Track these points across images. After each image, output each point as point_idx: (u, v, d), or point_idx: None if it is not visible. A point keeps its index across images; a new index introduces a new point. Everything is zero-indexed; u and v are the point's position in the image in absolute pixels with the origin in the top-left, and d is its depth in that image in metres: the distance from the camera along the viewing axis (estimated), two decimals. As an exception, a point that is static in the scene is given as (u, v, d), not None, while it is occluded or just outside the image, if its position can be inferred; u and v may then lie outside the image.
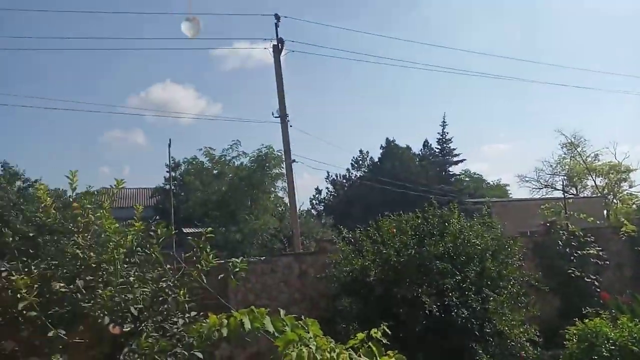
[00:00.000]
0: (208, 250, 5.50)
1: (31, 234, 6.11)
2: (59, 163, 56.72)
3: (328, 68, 66.59)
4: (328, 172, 47.61)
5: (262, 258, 11.49)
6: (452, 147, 45.91)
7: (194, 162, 29.21)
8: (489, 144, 75.92)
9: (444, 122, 45.70)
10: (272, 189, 29.96)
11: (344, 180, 48.13)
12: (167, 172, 36.64)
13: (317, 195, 48.77)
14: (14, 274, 4.79)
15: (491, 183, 51.34)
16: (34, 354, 5.61)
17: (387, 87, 68.92)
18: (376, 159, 45.03)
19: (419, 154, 46.09)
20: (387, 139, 44.80)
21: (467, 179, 48.18)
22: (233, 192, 27.99)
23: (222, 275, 5.90)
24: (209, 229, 5.69)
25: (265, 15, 17.94)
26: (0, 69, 53.17)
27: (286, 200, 30.36)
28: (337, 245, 9.81)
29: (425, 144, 46.57)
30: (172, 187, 29.89)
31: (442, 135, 45.96)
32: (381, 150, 44.69)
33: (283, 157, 27.25)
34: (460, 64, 72.08)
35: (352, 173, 47.73)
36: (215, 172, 29.41)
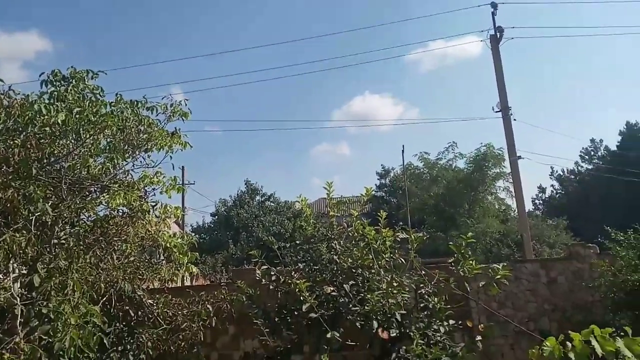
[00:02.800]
0: (469, 255, 5.20)
1: (277, 242, 6.61)
2: (278, 178, 63.41)
3: (541, 50, 60.42)
4: (552, 168, 42.86)
5: (504, 264, 10.69)
6: None
7: (409, 168, 29.37)
8: None
9: None
10: (493, 189, 28.18)
11: (572, 176, 42.69)
12: (378, 179, 38.10)
13: (540, 195, 44.36)
14: (293, 277, 5.27)
15: None
16: (301, 352, 6.11)
17: (619, 63, 59.33)
18: (613, 147, 38.72)
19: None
20: (627, 122, 38.25)
21: None
22: (450, 195, 27.20)
23: (483, 283, 5.54)
24: (469, 234, 5.34)
25: (482, 5, 17.02)
26: (232, 101, 62.33)
27: (508, 201, 28.30)
28: (613, 250, 8.43)
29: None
30: (399, 191, 30.32)
31: None
32: (620, 137, 38.27)
33: (503, 154, 25.62)
34: None
35: (581, 166, 42.07)
36: (429, 176, 29.07)
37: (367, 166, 67.92)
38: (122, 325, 6.88)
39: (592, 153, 41.66)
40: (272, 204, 33.92)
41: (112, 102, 5.51)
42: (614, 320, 7.63)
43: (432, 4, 63.06)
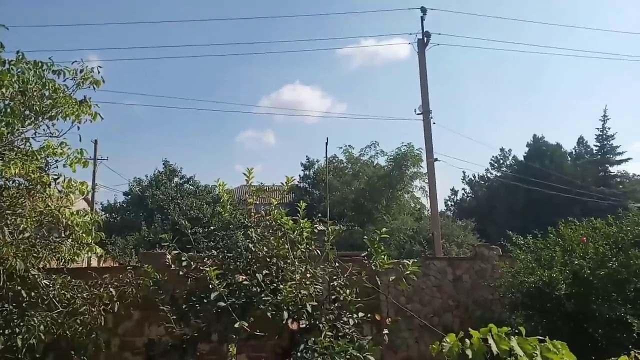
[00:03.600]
0: (382, 250, 5.27)
1: (192, 227, 6.38)
2: (199, 161, 61.93)
3: (465, 60, 63.62)
4: (464, 172, 45.41)
5: (414, 260, 11.11)
6: (614, 145, 40.57)
7: (333, 162, 29.74)
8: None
9: (604, 115, 40.28)
10: (410, 188, 29.34)
11: (482, 181, 45.50)
12: (302, 170, 38.22)
13: (452, 196, 46.85)
14: (206, 264, 5.06)
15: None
16: (209, 341, 5.93)
17: (532, 79, 63.98)
18: (521, 158, 41.73)
19: (572, 152, 41.64)
20: (534, 135, 41.33)
21: (626, 180, 42.28)
22: (370, 191, 27.96)
23: (393, 277, 5.67)
24: (383, 229, 5.42)
25: (412, 9, 17.47)
26: (156, 75, 59.65)
27: (423, 200, 29.60)
28: (513, 253, 8.97)
29: (580, 141, 41.93)
30: (322, 184, 30.39)
31: (602, 131, 40.76)
32: (527, 148, 41.31)
33: (421, 155, 26.72)
34: (611, 48, 63.66)
35: (491, 173, 44.95)
36: (352, 171, 29.63)
37: (293, 157, 68.14)
38: (11, 307, 6.30)
39: (501, 161, 44.63)
40: (191, 187, 32.84)
41: (11, 60, 4.93)
42: (510, 318, 8.16)
43: (368, 2, 64.21)
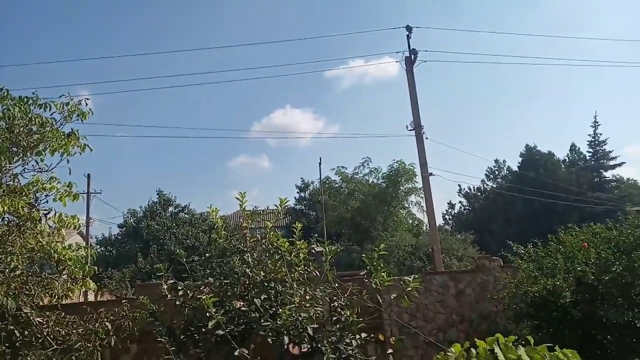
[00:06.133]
0: (382, 267, 5.18)
1: (188, 255, 6.30)
2: (193, 188, 61.71)
3: (453, 75, 64.31)
4: (460, 186, 45.43)
5: (415, 276, 10.99)
6: (607, 150, 40.84)
7: (327, 182, 29.68)
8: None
9: (595, 122, 40.60)
10: (405, 204, 29.25)
11: (478, 193, 45.51)
12: (298, 192, 38.14)
13: (450, 210, 46.78)
14: (203, 292, 4.95)
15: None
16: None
17: (520, 90, 64.69)
18: (515, 168, 41.86)
19: (565, 159, 41.82)
20: (526, 145, 41.49)
21: (621, 185, 42.42)
22: (366, 209, 27.85)
23: (395, 295, 5.56)
24: (382, 246, 5.35)
25: (397, 28, 17.70)
26: (145, 106, 59.86)
27: (419, 215, 29.49)
28: (515, 262, 8.87)
29: (573, 148, 42.16)
30: (317, 205, 30.25)
31: (594, 137, 41.03)
32: (520, 158, 41.46)
33: (416, 171, 26.74)
34: (597, 55, 64.71)
35: (487, 184, 44.99)
36: (347, 190, 29.59)
37: (288, 180, 67.95)
38: (4, 347, 6.13)
39: (496, 172, 44.74)
40: (186, 215, 32.54)
41: (-5, 98, 4.88)
42: (516, 330, 8.01)
43: (354, 23, 65.11)
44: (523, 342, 2.47)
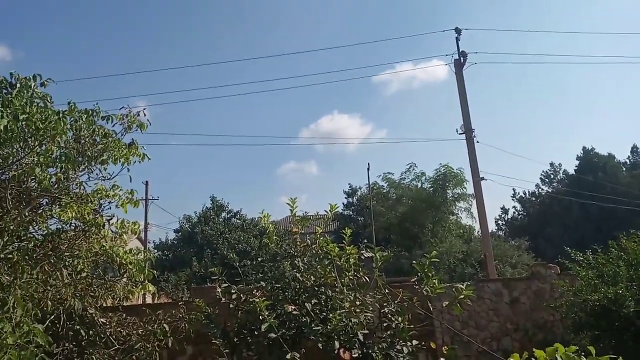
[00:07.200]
0: (432, 274, 5.13)
1: (240, 260, 6.47)
2: (244, 194, 62.81)
3: (503, 76, 62.48)
4: (514, 189, 43.95)
5: (467, 283, 10.78)
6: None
7: (374, 188, 29.53)
8: None
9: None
10: (454, 209, 28.63)
11: (533, 198, 43.87)
12: (346, 198, 38.15)
13: (503, 215, 45.31)
14: (255, 295, 5.08)
15: None
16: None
17: (577, 91, 62.04)
18: (572, 171, 40.11)
19: (627, 162, 39.67)
20: (584, 147, 39.70)
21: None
22: (414, 215, 27.47)
23: (446, 302, 5.49)
24: (433, 252, 5.31)
25: (446, 30, 17.49)
26: (199, 115, 61.72)
27: (468, 221, 28.76)
28: (573, 270, 8.53)
29: (634, 150, 39.93)
30: (365, 210, 30.17)
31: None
32: (577, 161, 39.70)
33: (464, 176, 26.17)
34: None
35: (542, 189, 43.29)
36: (395, 196, 29.33)
37: (336, 185, 68.15)
38: (71, 346, 6.51)
39: (552, 176, 42.96)
40: (238, 221, 33.32)
41: (65, 111, 5.23)
42: (574, 340, 7.68)
43: (402, 27, 64.64)
44: (584, 353, 2.39)
